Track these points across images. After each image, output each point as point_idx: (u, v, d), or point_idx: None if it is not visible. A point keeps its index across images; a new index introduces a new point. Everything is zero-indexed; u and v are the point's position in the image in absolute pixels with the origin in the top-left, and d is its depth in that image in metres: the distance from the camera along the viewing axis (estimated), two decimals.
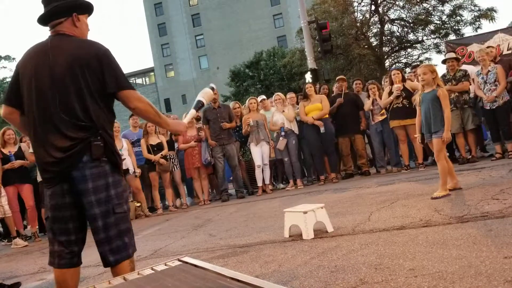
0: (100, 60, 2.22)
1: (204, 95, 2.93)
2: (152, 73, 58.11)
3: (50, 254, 2.32)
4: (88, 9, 2.47)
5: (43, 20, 2.40)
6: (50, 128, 2.19)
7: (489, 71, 6.96)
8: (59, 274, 2.30)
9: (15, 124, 2.45)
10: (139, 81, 60.27)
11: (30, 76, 2.26)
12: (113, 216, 2.23)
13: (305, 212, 3.77)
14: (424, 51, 23.06)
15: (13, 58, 37.24)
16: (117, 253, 2.23)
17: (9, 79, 39.12)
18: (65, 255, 2.28)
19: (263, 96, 9.35)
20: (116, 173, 2.30)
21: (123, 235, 2.26)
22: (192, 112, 2.95)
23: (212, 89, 3.04)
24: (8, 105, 2.38)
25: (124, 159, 7.77)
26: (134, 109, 2.31)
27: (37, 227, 7.68)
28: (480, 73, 7.10)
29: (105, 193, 2.22)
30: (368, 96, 8.10)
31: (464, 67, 7.99)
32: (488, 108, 7.01)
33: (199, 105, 2.92)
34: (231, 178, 9.02)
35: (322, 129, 7.95)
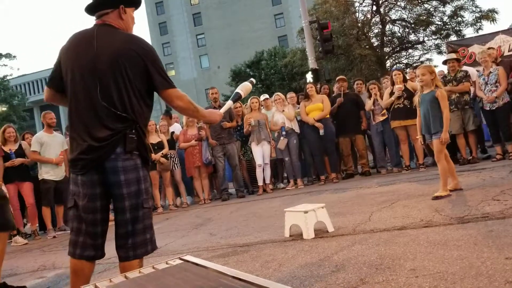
0: (145, 58, 2.26)
1: (243, 88, 2.95)
2: None
3: (72, 244, 2.29)
4: (135, 3, 2.50)
5: (90, 9, 2.42)
6: (91, 116, 2.21)
7: (490, 72, 6.95)
8: (78, 264, 2.28)
9: (60, 104, 2.50)
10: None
11: (73, 62, 2.28)
12: (141, 210, 2.25)
13: (305, 212, 3.77)
14: (425, 51, 23.08)
15: (14, 56, 37.26)
16: (138, 248, 2.24)
17: (9, 77, 39.15)
18: (89, 247, 2.27)
19: (266, 95, 9.33)
20: (145, 168, 2.33)
21: (147, 231, 2.28)
22: (229, 103, 2.97)
23: (251, 82, 3.05)
24: (51, 88, 2.41)
25: None
26: (176, 108, 2.37)
27: (37, 225, 7.67)
28: (482, 74, 7.10)
29: (136, 186, 2.24)
30: (369, 96, 8.10)
31: (465, 68, 7.98)
32: (488, 109, 7.01)
33: (237, 97, 2.94)
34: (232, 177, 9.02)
35: (321, 132, 7.95)
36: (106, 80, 2.21)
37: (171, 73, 55.13)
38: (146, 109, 2.35)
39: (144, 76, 2.27)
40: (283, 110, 8.33)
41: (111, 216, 2.37)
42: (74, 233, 2.30)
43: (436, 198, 4.44)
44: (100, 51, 2.23)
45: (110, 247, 2.37)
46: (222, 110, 2.84)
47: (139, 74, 2.25)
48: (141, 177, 2.28)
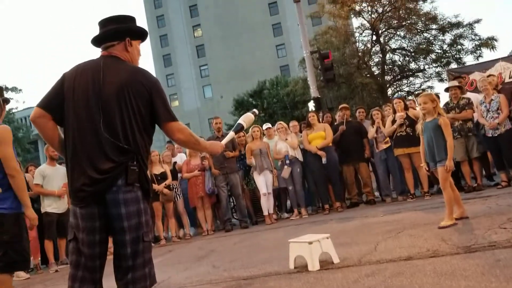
0: (150, 90, 2.29)
1: (245, 118, 2.95)
2: None
3: (71, 278, 2.25)
4: (141, 35, 2.54)
5: (96, 41, 2.46)
6: (94, 147, 2.20)
7: (492, 99, 6.98)
8: None
9: (41, 128, 2.35)
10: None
11: (77, 91, 2.28)
12: (142, 243, 2.22)
13: (310, 243, 3.71)
14: (426, 79, 23.26)
15: (20, 90, 37.73)
16: (137, 283, 2.20)
17: (14, 110, 39.57)
18: (88, 281, 2.23)
19: (269, 124, 9.35)
20: (146, 201, 2.31)
21: (146, 265, 2.25)
22: (231, 134, 2.98)
23: (253, 113, 3.07)
24: (42, 108, 2.32)
25: None
26: (177, 141, 2.40)
27: (39, 258, 7.59)
28: (483, 102, 7.12)
29: (137, 219, 2.22)
30: (372, 124, 8.12)
31: (468, 94, 8.02)
32: (490, 135, 7.00)
33: (239, 128, 2.93)
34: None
35: (324, 160, 7.93)
36: (110, 112, 2.22)
37: (175, 104, 55.74)
38: (148, 140, 2.36)
39: (148, 107, 2.29)
40: (286, 139, 8.34)
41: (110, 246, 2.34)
42: (73, 267, 2.27)
43: (442, 227, 4.38)
44: (106, 83, 2.25)
45: (106, 278, 2.34)
46: (224, 141, 2.84)
47: (143, 105, 2.27)
48: (142, 209, 2.26)
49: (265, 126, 9.13)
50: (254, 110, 3.20)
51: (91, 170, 2.18)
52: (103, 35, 2.43)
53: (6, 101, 3.59)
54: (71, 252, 2.29)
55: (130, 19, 2.51)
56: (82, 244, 2.23)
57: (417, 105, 7.09)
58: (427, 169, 5.08)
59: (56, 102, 2.32)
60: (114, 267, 2.25)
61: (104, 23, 2.45)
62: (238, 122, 2.94)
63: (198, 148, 2.54)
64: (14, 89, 37.78)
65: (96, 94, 2.24)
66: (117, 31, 2.42)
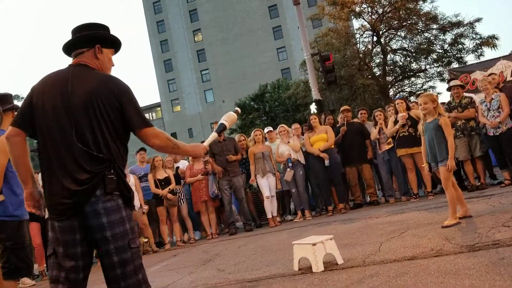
0: (120, 97, 2.24)
1: (227, 118, 2.90)
2: (158, 108, 58.86)
3: None
4: (114, 44, 2.49)
5: (66, 49, 2.42)
6: (67, 159, 2.16)
7: (492, 98, 6.98)
8: None
9: (16, 146, 2.29)
10: (146, 116, 60.90)
11: (47, 103, 2.24)
12: (129, 251, 2.18)
13: (314, 244, 3.72)
14: (428, 79, 23.23)
15: (22, 97, 37.94)
16: None
17: None
18: None
19: (270, 128, 9.37)
20: (128, 208, 2.27)
21: (138, 272, 2.21)
22: (214, 135, 2.92)
23: (236, 112, 3.03)
24: (17, 127, 2.29)
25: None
26: (153, 146, 2.33)
27: (45, 265, 7.62)
28: (484, 101, 7.12)
29: (122, 227, 2.17)
30: (375, 125, 8.12)
31: (469, 94, 8.02)
32: (492, 134, 6.99)
33: (221, 128, 2.89)
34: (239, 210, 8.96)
35: (326, 162, 7.93)
36: (80, 121, 2.18)
37: (177, 109, 55.88)
38: (123, 148, 2.32)
39: (120, 115, 2.24)
40: (288, 142, 8.35)
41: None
42: (52, 282, 2.20)
43: (446, 227, 4.38)
44: (74, 93, 2.21)
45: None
46: (206, 142, 2.79)
47: (114, 114, 2.23)
48: (125, 217, 2.21)
49: (266, 129, 9.14)
50: (236, 108, 3.14)
51: (68, 182, 2.13)
52: (72, 41, 2.39)
53: (15, 108, 3.59)
54: (51, 267, 2.23)
55: (102, 27, 2.46)
56: (63, 258, 2.17)
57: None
58: (427, 170, 5.09)
59: (28, 118, 2.27)
60: (106, 279, 2.20)
61: (76, 30, 2.40)
62: (220, 122, 2.88)
63: (178, 152, 2.50)
64: (16, 97, 37.99)
65: (66, 105, 2.20)
66: (86, 37, 2.37)
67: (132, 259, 2.18)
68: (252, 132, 8.75)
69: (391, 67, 23.27)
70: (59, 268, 2.18)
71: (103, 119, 2.20)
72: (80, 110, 2.19)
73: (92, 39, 2.38)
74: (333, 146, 8.21)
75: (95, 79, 2.27)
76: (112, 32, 2.49)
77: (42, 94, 2.27)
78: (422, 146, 5.08)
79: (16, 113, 3.62)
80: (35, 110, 2.26)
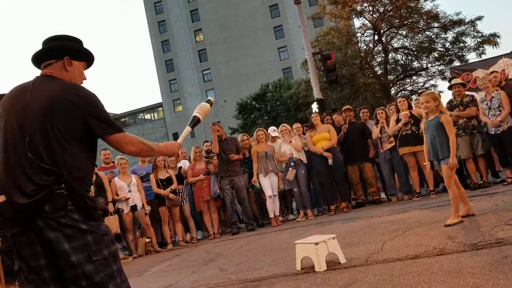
0: (81, 106, 2.14)
1: (200, 110, 2.78)
2: (160, 109, 58.89)
3: None
4: (85, 57, 2.41)
5: (35, 60, 2.35)
6: (18, 170, 2.07)
7: (492, 97, 6.96)
8: None
9: None
10: (147, 116, 61.03)
11: (6, 114, 2.19)
12: (91, 264, 2.06)
13: (316, 244, 3.71)
14: (429, 78, 23.19)
15: None
16: None
17: None
18: None
19: (276, 132, 9.20)
20: (89, 220, 2.12)
21: (107, 283, 2.08)
22: (188, 129, 2.82)
23: (209, 101, 2.90)
24: None
25: (129, 198, 7.81)
26: (129, 153, 2.25)
27: None
28: (484, 100, 7.10)
29: (80, 240, 2.06)
30: (376, 124, 8.10)
31: (470, 93, 8.00)
32: (493, 133, 6.97)
33: (194, 121, 2.79)
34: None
35: (330, 161, 7.92)
36: (34, 132, 2.09)
37: (178, 109, 55.88)
38: (86, 160, 2.20)
39: (82, 125, 2.14)
40: (290, 141, 8.34)
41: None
42: None
43: (449, 225, 4.37)
44: (32, 102, 2.14)
45: None
46: (180, 139, 2.72)
47: (75, 124, 2.13)
48: (85, 229, 2.08)
49: (273, 133, 9.00)
50: (209, 98, 2.99)
51: (17, 194, 2.04)
52: (40, 52, 2.32)
53: None
54: (20, 283, 2.16)
55: (73, 40, 2.39)
56: (28, 273, 2.10)
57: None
58: (429, 168, 5.08)
59: None
60: None
61: (45, 42, 2.34)
62: (193, 115, 2.76)
63: (153, 154, 2.41)
64: None
65: (22, 115, 2.13)
66: (54, 48, 2.30)
67: (96, 271, 2.07)
68: (255, 132, 8.74)
69: (393, 66, 23.23)
70: (28, 283, 2.11)
71: (60, 130, 2.09)
72: (35, 120, 2.10)
73: (61, 51, 2.30)
74: (335, 145, 8.20)
75: (55, 89, 2.17)
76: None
77: (2, 105, 2.24)
78: (424, 144, 5.07)
79: None
80: None
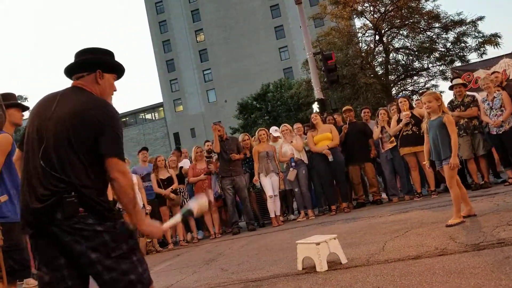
0: (102, 121, 2.17)
1: (198, 205, 2.69)
2: (161, 108, 58.90)
3: None
4: (117, 70, 2.46)
5: (68, 72, 2.40)
6: (34, 176, 2.15)
7: (494, 97, 6.95)
8: None
9: (19, 169, 2.42)
10: (148, 116, 61.05)
11: (32, 123, 2.26)
12: (110, 259, 2.11)
13: (317, 244, 3.71)
14: (430, 78, 23.15)
15: (25, 98, 38.00)
16: None
17: None
18: None
19: (275, 128, 9.22)
20: (104, 222, 2.15)
21: (128, 274, 2.14)
22: (178, 218, 2.73)
23: (209, 202, 2.82)
24: (19, 150, 2.39)
25: None
26: (114, 179, 2.16)
27: None
28: (486, 100, 7.10)
29: (98, 239, 2.10)
30: (377, 124, 8.10)
31: (471, 93, 7.99)
32: (495, 133, 6.96)
33: (188, 214, 2.67)
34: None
35: (330, 158, 7.92)
36: (50, 141, 2.15)
37: (179, 109, 55.90)
38: (98, 173, 2.19)
39: (96, 139, 2.16)
40: (292, 141, 8.33)
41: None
42: None
43: (450, 225, 4.37)
44: (56, 112, 2.19)
45: None
46: (165, 225, 2.65)
47: (92, 137, 2.15)
48: (101, 230, 2.12)
49: (275, 133, 9.00)
50: (205, 200, 2.80)
51: (33, 199, 2.12)
52: (73, 65, 2.37)
53: (17, 105, 3.57)
54: (38, 281, 2.22)
55: (106, 53, 2.44)
56: (46, 272, 2.16)
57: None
58: (429, 167, 5.08)
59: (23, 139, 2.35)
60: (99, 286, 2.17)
61: (78, 54, 2.39)
62: (189, 207, 2.66)
63: (131, 210, 2.22)
64: (19, 98, 38.04)
65: (44, 122, 2.20)
66: (87, 61, 2.36)
67: (116, 265, 2.12)
68: (257, 132, 8.74)
69: (394, 66, 23.21)
70: (45, 282, 2.17)
71: (77, 141, 2.14)
72: (54, 130, 2.16)
73: (93, 64, 2.35)
74: (337, 145, 8.19)
75: (81, 101, 2.22)
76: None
77: (31, 115, 2.32)
78: (425, 143, 5.07)
79: (21, 111, 3.60)
80: (26, 130, 2.31)
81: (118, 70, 2.47)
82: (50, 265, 2.15)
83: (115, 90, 2.48)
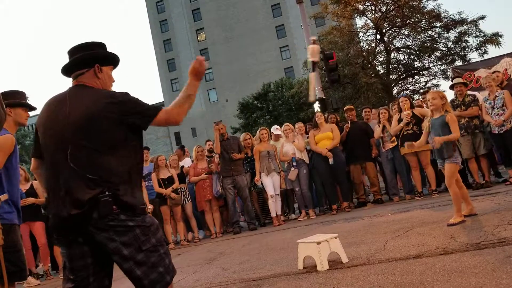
0: (119, 104, 2.23)
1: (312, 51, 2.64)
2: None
3: None
4: (112, 61, 2.50)
5: (66, 71, 2.42)
6: (64, 182, 2.17)
7: (496, 96, 6.94)
8: None
9: (39, 177, 2.45)
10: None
11: (46, 128, 2.28)
12: (142, 253, 2.20)
13: (318, 243, 3.71)
14: (431, 77, 23.16)
15: (27, 97, 37.91)
16: (156, 284, 2.22)
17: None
18: None
19: (279, 130, 9.20)
20: (135, 216, 2.23)
21: (157, 266, 2.23)
22: (312, 75, 2.71)
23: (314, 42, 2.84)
24: (35, 158, 2.42)
25: None
26: (181, 122, 2.40)
27: (49, 265, 7.63)
28: (488, 99, 7.09)
29: (129, 234, 2.18)
30: (378, 123, 8.09)
31: (472, 92, 7.98)
32: (497, 132, 6.96)
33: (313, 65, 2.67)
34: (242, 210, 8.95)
35: (331, 161, 7.91)
36: (76, 143, 2.18)
37: None
38: (128, 164, 2.26)
39: (121, 129, 2.23)
40: (294, 141, 8.33)
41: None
42: None
43: (451, 225, 4.37)
44: (72, 115, 2.21)
45: None
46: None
47: (112, 131, 2.21)
48: (132, 225, 2.19)
49: (276, 131, 8.98)
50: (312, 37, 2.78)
51: (67, 205, 2.15)
52: (70, 63, 2.39)
53: (25, 105, 3.54)
54: (64, 280, 2.29)
55: (99, 45, 2.46)
56: (71, 271, 2.24)
57: (425, 103, 7.05)
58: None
59: (38, 147, 2.37)
60: (131, 280, 2.25)
61: (73, 51, 2.40)
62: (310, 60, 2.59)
63: (191, 100, 2.48)
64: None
65: (63, 127, 2.21)
66: (85, 58, 2.37)
67: (147, 258, 2.21)
68: (258, 131, 8.73)
69: (395, 65, 23.21)
70: (70, 282, 2.25)
71: (99, 139, 2.19)
72: (77, 132, 2.19)
73: (90, 59, 2.38)
74: (338, 145, 8.18)
75: (91, 97, 2.27)
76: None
77: (42, 119, 2.34)
78: (422, 136, 5.13)
79: (27, 111, 3.58)
80: (40, 136, 2.34)
81: (113, 61, 2.51)
82: (77, 264, 2.22)
83: (113, 81, 2.52)
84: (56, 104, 2.31)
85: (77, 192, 2.13)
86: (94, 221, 2.13)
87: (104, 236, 2.15)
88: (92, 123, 2.18)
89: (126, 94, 2.31)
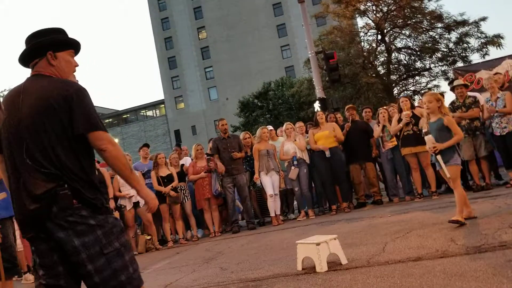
0: (68, 100, 2.11)
1: None
2: (162, 105, 58.86)
3: None
4: (68, 45, 2.36)
5: (22, 61, 2.34)
6: (22, 176, 2.11)
7: (498, 98, 6.92)
8: None
9: (3, 174, 2.31)
10: (149, 113, 60.99)
11: (4, 122, 2.21)
12: (103, 257, 2.08)
13: (318, 244, 3.69)
14: (432, 78, 23.12)
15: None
16: None
17: None
18: None
19: (270, 127, 9.30)
20: (98, 214, 2.14)
21: (119, 274, 2.11)
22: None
23: None
24: None
25: (132, 195, 7.80)
26: (105, 151, 2.14)
27: None
28: (489, 100, 7.07)
29: (91, 235, 2.08)
30: (378, 123, 8.07)
31: (473, 94, 7.96)
32: (499, 134, 6.93)
33: None
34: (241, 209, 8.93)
35: (327, 153, 7.88)
36: (31, 135, 2.11)
37: (180, 106, 55.86)
38: (83, 156, 2.18)
39: (70, 120, 2.12)
40: (295, 140, 8.31)
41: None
42: None
43: (453, 222, 4.31)
44: (24, 106, 2.14)
45: None
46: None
47: (65, 119, 2.11)
48: (94, 224, 2.10)
49: (269, 128, 9.03)
50: None
51: (25, 199, 2.09)
52: (23, 53, 2.30)
53: None
54: (35, 279, 2.22)
55: (54, 31, 2.33)
56: (43, 270, 2.16)
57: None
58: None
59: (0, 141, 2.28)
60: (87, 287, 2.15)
61: (27, 41, 2.30)
62: None
63: (128, 176, 2.25)
64: None
65: (17, 121, 2.15)
66: (35, 46, 2.27)
67: (108, 264, 2.09)
68: (258, 130, 8.71)
69: (396, 65, 23.17)
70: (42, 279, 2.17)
71: (52, 128, 2.10)
72: (29, 123, 2.11)
73: (41, 47, 2.27)
74: (337, 144, 8.16)
75: (43, 87, 2.17)
76: (70, 34, 2.36)
77: (4, 114, 2.25)
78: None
79: None
80: (2, 132, 2.25)
81: (70, 45, 2.37)
82: (45, 260, 2.13)
83: (76, 66, 2.40)
84: (13, 96, 2.24)
85: (33, 186, 2.06)
86: (53, 215, 2.05)
87: (63, 235, 2.05)
88: (43, 113, 2.10)
89: (82, 90, 2.20)
